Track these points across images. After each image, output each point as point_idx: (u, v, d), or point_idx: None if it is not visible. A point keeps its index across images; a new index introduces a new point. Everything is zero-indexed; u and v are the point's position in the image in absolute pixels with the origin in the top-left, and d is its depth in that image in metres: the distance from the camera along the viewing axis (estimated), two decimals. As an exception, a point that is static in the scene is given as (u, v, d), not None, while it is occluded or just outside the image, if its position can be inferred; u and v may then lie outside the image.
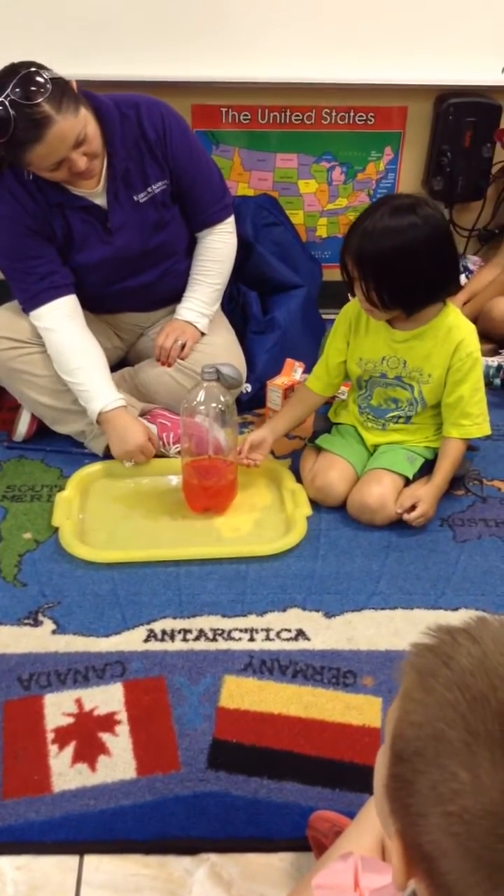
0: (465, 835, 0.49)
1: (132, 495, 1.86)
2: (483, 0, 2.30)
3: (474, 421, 1.74)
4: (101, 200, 1.85)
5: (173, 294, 2.05)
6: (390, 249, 1.57)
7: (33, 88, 1.59)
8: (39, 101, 1.58)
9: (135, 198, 1.87)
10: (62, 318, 1.88)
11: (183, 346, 1.99)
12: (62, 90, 1.63)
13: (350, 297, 1.86)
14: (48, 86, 1.60)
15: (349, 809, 1.13)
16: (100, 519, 1.79)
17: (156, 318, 2.11)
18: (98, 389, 1.86)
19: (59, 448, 1.99)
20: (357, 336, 1.78)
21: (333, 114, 2.47)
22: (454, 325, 1.71)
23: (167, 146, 1.85)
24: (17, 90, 1.58)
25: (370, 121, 2.49)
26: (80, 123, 1.67)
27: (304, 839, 1.13)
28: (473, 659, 0.53)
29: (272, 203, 2.46)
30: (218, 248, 2.03)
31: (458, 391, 1.72)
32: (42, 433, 2.02)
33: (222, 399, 1.72)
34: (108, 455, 1.94)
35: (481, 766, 0.49)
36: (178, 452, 1.86)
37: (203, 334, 2.04)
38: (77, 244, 1.87)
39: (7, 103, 1.57)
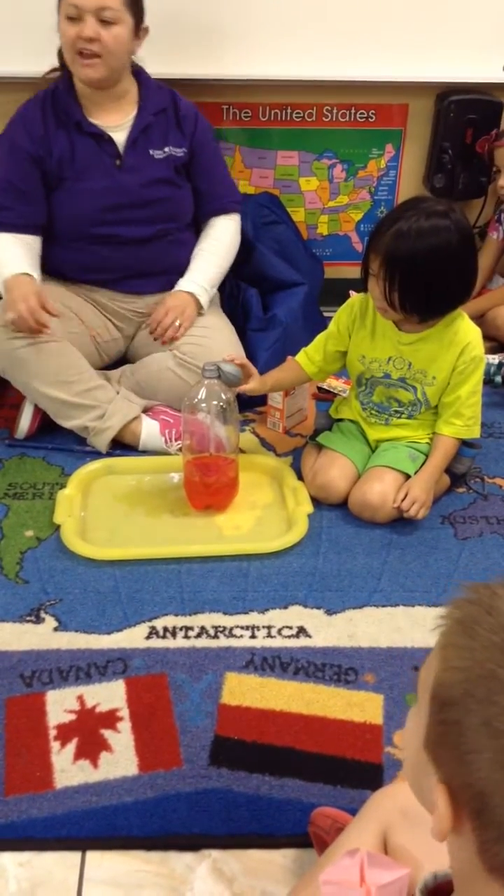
0: None
1: (134, 493, 1.86)
2: (484, -3, 2.30)
3: (465, 422, 1.76)
4: (118, 136, 1.97)
5: (167, 267, 2.07)
6: (424, 251, 1.57)
7: None
8: None
9: (151, 151, 1.99)
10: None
11: (179, 327, 2.01)
12: None
13: (351, 294, 1.86)
14: None
15: (350, 806, 1.13)
16: (101, 516, 1.79)
17: (151, 301, 2.10)
18: (12, 261, 1.93)
19: (61, 446, 1.99)
20: (361, 332, 1.78)
21: (334, 111, 2.47)
22: (460, 328, 1.71)
23: (195, 128, 2.03)
24: None
25: (371, 118, 2.49)
26: (118, 7, 1.82)
27: (306, 836, 1.13)
28: None
29: (273, 201, 2.46)
30: (226, 231, 2.14)
31: (457, 392, 1.73)
32: (43, 430, 2.02)
33: (223, 396, 1.72)
34: (111, 452, 1.95)
35: None
36: (180, 449, 1.86)
37: (201, 313, 2.06)
38: (77, 169, 1.96)
39: None
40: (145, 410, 2.00)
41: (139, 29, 1.91)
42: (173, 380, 2.00)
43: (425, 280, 1.59)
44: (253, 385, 1.80)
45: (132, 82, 1.99)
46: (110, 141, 1.96)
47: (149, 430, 1.97)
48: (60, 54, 1.95)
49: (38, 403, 1.98)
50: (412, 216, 1.58)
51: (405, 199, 1.75)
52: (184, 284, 2.06)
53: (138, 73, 2.01)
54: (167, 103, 2.02)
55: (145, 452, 1.98)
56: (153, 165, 2.00)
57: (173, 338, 2.01)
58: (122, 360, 2.18)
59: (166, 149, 2.01)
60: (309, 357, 1.87)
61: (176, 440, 1.94)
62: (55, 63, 2.00)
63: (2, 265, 1.94)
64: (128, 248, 2.02)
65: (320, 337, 1.86)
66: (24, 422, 2.00)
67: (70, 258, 2.03)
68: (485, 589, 0.58)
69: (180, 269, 2.10)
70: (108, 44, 1.84)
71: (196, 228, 2.14)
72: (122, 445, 1.98)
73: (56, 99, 1.96)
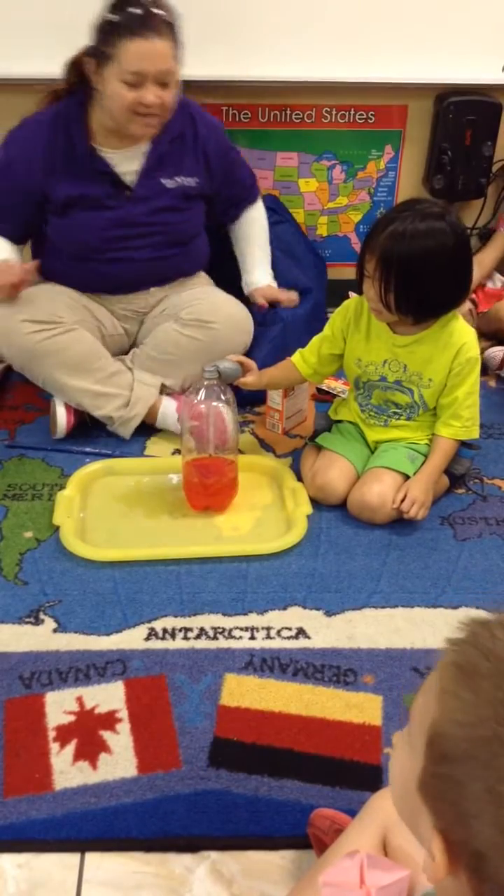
0: None
1: (133, 494, 1.86)
2: (483, -2, 2.30)
3: (464, 424, 1.76)
4: (131, 165, 1.94)
5: (175, 275, 2.10)
6: (419, 252, 1.57)
7: (167, 10, 1.77)
8: (165, 14, 1.76)
9: (163, 180, 1.97)
10: None
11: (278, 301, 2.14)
12: (180, 40, 1.80)
13: (349, 295, 1.86)
14: (177, 22, 1.78)
15: (349, 807, 1.13)
16: (101, 517, 1.79)
17: (153, 301, 2.11)
18: None
19: (60, 447, 1.99)
20: (356, 335, 1.78)
21: (334, 112, 2.47)
22: (455, 329, 1.71)
23: (210, 153, 2.02)
24: (157, 1, 1.76)
25: (370, 119, 2.49)
26: (175, 67, 1.80)
27: (305, 837, 1.13)
28: None
29: (275, 202, 2.46)
30: (262, 216, 2.21)
31: (454, 393, 1.74)
32: (79, 428, 2.03)
33: (223, 398, 1.72)
34: (111, 453, 1.96)
35: None
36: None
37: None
38: (84, 202, 1.94)
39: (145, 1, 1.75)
40: (169, 393, 2.05)
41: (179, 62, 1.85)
42: (181, 339, 2.02)
43: (420, 281, 1.59)
44: (251, 378, 1.82)
45: (175, 95, 1.90)
46: (112, 173, 1.93)
47: (165, 410, 2.01)
48: (72, 68, 1.87)
49: (62, 396, 1.99)
50: (408, 217, 1.58)
51: (401, 201, 1.76)
52: (263, 280, 2.19)
53: None
54: (185, 126, 1.98)
55: (144, 454, 1.98)
56: (163, 195, 1.98)
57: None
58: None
59: (178, 178, 1.98)
60: (304, 359, 1.87)
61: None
62: (48, 68, 1.94)
63: None
64: (137, 265, 2.02)
65: (315, 339, 1.86)
66: (61, 419, 1.99)
67: (76, 274, 2.03)
68: (483, 629, 0.56)
69: (187, 273, 2.13)
70: (167, 104, 1.82)
71: (211, 224, 2.15)
72: (140, 429, 2.03)
73: (67, 127, 1.89)
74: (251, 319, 2.09)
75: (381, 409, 1.82)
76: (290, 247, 2.40)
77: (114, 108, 1.82)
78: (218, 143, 2.06)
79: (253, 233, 2.21)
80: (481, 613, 0.59)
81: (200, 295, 2.07)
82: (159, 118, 1.85)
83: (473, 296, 2.49)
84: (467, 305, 2.42)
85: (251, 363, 1.83)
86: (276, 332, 2.19)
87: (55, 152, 1.90)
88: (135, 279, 2.06)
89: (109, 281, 2.04)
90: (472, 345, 1.73)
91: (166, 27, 1.76)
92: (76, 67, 1.87)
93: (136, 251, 2.00)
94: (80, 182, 1.92)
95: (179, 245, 2.05)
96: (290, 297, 2.18)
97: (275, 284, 2.19)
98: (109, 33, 1.75)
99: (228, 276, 2.22)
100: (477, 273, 2.46)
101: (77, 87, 1.89)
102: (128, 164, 1.94)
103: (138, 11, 1.73)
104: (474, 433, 1.79)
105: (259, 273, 2.20)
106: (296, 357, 1.88)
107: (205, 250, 2.16)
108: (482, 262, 2.48)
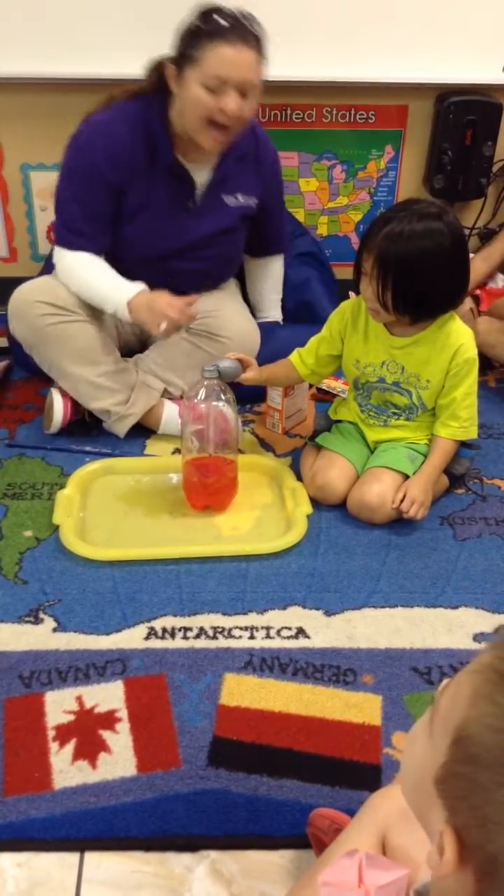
0: None
1: (133, 493, 1.86)
2: (484, -2, 2.30)
3: (462, 424, 1.76)
4: (199, 178, 1.94)
5: (197, 290, 2.08)
6: (416, 253, 1.57)
7: (256, 24, 1.75)
8: (254, 26, 1.74)
9: (225, 197, 1.97)
10: (79, 261, 1.93)
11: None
12: (266, 55, 1.78)
13: (350, 295, 1.86)
14: (264, 37, 1.76)
15: (349, 807, 1.13)
16: (100, 517, 1.79)
17: None
18: (117, 287, 1.90)
19: (60, 446, 1.99)
20: (354, 336, 1.78)
21: (334, 112, 2.47)
22: (452, 330, 1.71)
23: (272, 175, 2.06)
24: (247, 13, 1.75)
25: (371, 119, 2.49)
26: (258, 81, 1.77)
27: (304, 836, 1.13)
28: None
29: (290, 217, 2.47)
30: (281, 270, 2.29)
31: (452, 394, 1.74)
32: (75, 425, 2.03)
33: (223, 397, 1.72)
34: (111, 452, 1.96)
35: None
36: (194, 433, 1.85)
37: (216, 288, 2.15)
38: (153, 208, 1.92)
39: (235, 10, 1.73)
40: (163, 394, 2.04)
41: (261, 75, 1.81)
42: (188, 347, 2.02)
43: (418, 281, 1.59)
44: (251, 374, 1.82)
45: (255, 105, 1.86)
46: (191, 182, 1.93)
47: (169, 414, 2.01)
48: (155, 72, 1.84)
49: (63, 383, 1.99)
50: (405, 217, 1.59)
51: (400, 201, 1.76)
52: (274, 316, 2.28)
53: None
54: (250, 147, 1.98)
55: (144, 454, 1.98)
56: (225, 213, 1.99)
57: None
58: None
59: (239, 196, 1.99)
60: (302, 359, 1.87)
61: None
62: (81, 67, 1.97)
63: (114, 288, 1.90)
64: (182, 276, 2.02)
65: (313, 340, 1.86)
66: (57, 414, 1.99)
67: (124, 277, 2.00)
68: None
69: (222, 281, 2.17)
70: (245, 117, 1.78)
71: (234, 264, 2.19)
72: (140, 429, 2.03)
73: (149, 129, 1.86)
74: (259, 334, 2.08)
75: (381, 409, 1.82)
76: (317, 256, 2.41)
77: (190, 113, 1.78)
78: (276, 168, 2.08)
79: (273, 276, 2.28)
80: (480, 625, 0.59)
81: (214, 306, 2.05)
82: (231, 131, 1.80)
83: (478, 292, 2.49)
84: (468, 304, 2.43)
85: (250, 359, 1.84)
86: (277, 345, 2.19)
87: (136, 153, 1.87)
88: (175, 289, 2.05)
89: (152, 288, 2.03)
90: (470, 346, 1.73)
91: (253, 39, 1.73)
92: (157, 71, 1.83)
93: (188, 263, 2.00)
94: (154, 188, 1.90)
95: (226, 261, 2.09)
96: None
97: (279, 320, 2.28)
98: (196, 37, 1.72)
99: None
100: (484, 267, 2.48)
101: (156, 90, 1.84)
102: (198, 176, 1.93)
103: (227, 20, 1.71)
104: (473, 433, 1.79)
105: (275, 312, 2.29)
106: (294, 357, 1.88)
107: (238, 260, 2.19)
108: (490, 257, 2.49)
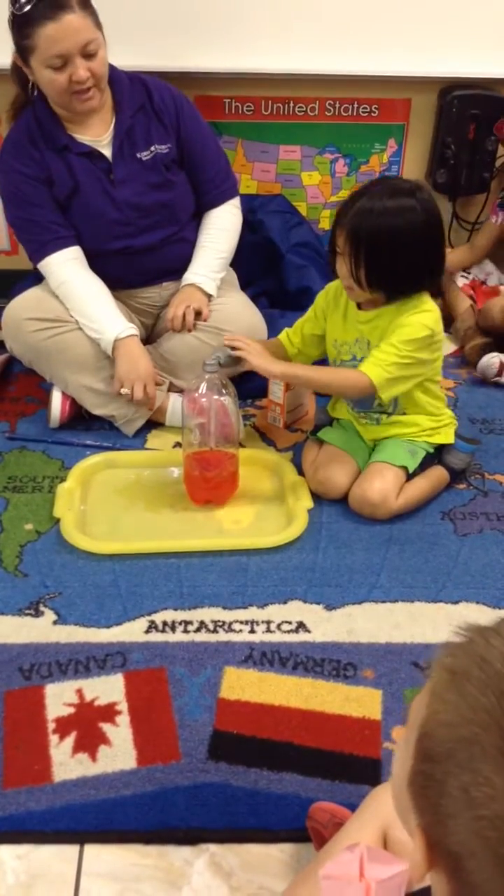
0: (496, 840, 0.49)
1: (133, 487, 1.86)
2: (488, -8, 2.29)
3: (377, 362, 1.64)
4: (106, 151, 1.93)
5: (180, 265, 2.08)
6: (386, 229, 1.57)
7: None
8: None
9: (138, 155, 1.95)
10: (71, 267, 1.95)
11: (198, 313, 2.01)
12: (90, 4, 1.77)
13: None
14: None
15: (349, 801, 1.13)
16: (101, 510, 1.79)
17: (166, 295, 2.12)
18: (111, 321, 1.93)
19: (61, 439, 1.99)
20: (335, 315, 1.78)
21: (337, 105, 2.46)
22: (419, 303, 1.67)
23: (176, 117, 1.97)
24: None
25: (374, 112, 2.48)
26: (95, 34, 1.77)
27: (304, 830, 1.13)
28: None
29: (288, 204, 2.47)
30: (224, 217, 2.11)
31: (389, 339, 1.66)
32: (75, 419, 2.03)
33: (224, 391, 1.72)
34: (111, 446, 1.96)
35: None
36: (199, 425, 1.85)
37: (210, 297, 2.06)
38: (79, 190, 1.93)
39: None
40: (176, 390, 2.04)
41: (99, 24, 1.81)
42: (195, 343, 2.01)
43: (389, 258, 1.58)
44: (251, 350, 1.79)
45: (104, 59, 1.87)
46: (101, 156, 1.93)
47: (174, 407, 2.01)
48: (14, 71, 1.87)
49: (69, 392, 2.00)
50: (377, 193, 1.58)
51: (374, 179, 1.74)
52: (188, 277, 2.06)
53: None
54: (142, 98, 1.96)
55: (145, 447, 1.98)
56: (143, 171, 1.96)
57: (190, 326, 2.02)
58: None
59: (152, 148, 1.96)
60: (289, 338, 1.88)
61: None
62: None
63: (103, 319, 1.93)
64: (141, 255, 2.02)
65: (300, 320, 1.86)
66: (55, 410, 1.99)
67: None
68: (480, 636, 0.57)
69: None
70: (99, 73, 1.82)
71: (198, 218, 2.13)
72: (148, 422, 2.03)
73: (40, 124, 1.91)
74: (265, 326, 2.08)
75: (363, 403, 1.78)
76: (316, 248, 2.40)
77: (52, 94, 1.84)
78: (181, 110, 2.00)
79: (206, 231, 2.09)
80: (480, 620, 0.59)
81: (218, 299, 2.05)
82: (96, 88, 1.83)
83: (472, 292, 2.49)
84: (468, 301, 2.42)
85: (241, 337, 1.79)
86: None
87: (40, 146, 1.91)
88: (141, 270, 2.05)
89: (118, 274, 2.03)
90: (429, 318, 1.65)
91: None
92: (17, 70, 1.87)
93: (132, 238, 1.99)
94: (70, 173, 1.92)
95: (174, 224, 2.03)
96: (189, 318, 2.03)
97: (206, 286, 2.04)
98: (19, 26, 1.76)
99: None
100: (468, 256, 2.52)
101: (25, 85, 1.89)
102: (103, 150, 1.94)
103: (43, 1, 1.71)
104: (379, 375, 1.64)
105: (189, 272, 2.06)
106: (282, 335, 1.89)
107: (192, 208, 2.10)
108: (473, 246, 2.56)
